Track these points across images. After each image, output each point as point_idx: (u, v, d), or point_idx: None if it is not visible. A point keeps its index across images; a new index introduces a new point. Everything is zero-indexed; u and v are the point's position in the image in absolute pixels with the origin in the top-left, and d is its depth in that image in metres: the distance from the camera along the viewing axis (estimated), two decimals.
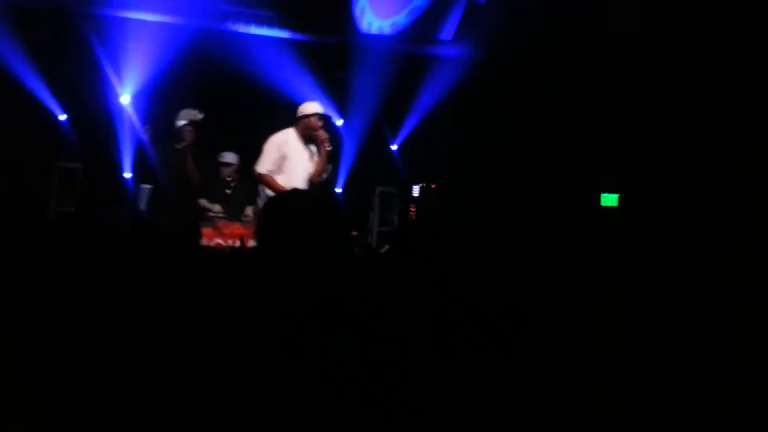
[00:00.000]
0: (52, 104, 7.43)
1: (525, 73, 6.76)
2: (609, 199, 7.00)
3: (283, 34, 7.49)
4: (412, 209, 8.57)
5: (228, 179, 7.00)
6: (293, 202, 1.96)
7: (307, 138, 5.62)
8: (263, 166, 5.64)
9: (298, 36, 7.51)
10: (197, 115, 6.06)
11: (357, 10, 7.28)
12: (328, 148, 5.60)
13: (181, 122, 6.02)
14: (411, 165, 8.50)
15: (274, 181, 5.52)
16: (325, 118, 5.65)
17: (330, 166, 5.71)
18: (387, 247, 5.90)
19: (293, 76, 7.46)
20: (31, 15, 6.78)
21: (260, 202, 5.90)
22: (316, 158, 5.61)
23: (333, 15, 7.31)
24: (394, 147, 8.68)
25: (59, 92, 7.43)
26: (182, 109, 6.10)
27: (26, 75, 7.01)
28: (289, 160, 5.58)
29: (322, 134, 5.56)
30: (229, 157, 7.01)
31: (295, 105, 5.87)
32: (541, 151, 6.55)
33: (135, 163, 6.91)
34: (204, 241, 6.05)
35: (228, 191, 6.95)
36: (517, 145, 6.89)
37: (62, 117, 7.55)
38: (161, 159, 6.08)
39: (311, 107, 5.64)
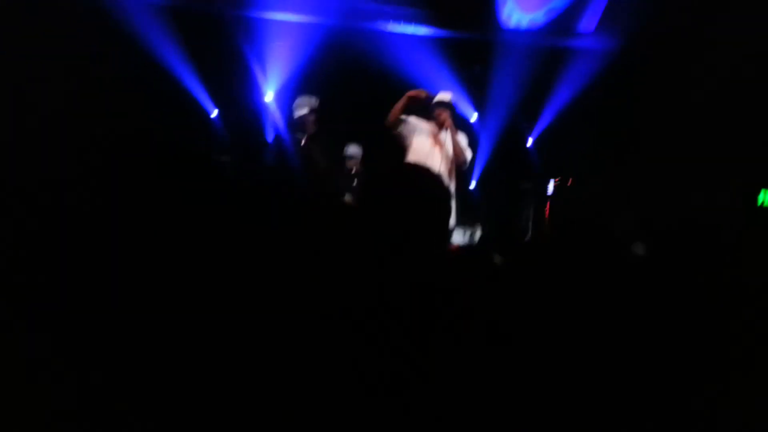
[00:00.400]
0: (206, 101, 7.98)
1: (667, 68, 6.37)
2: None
3: (424, 30, 7.51)
4: (547, 207, 8.34)
5: (353, 171, 7.12)
6: (403, 178, 1.92)
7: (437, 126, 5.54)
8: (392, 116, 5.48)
9: (440, 32, 7.50)
10: (316, 102, 6.10)
11: (501, 4, 7.14)
12: (448, 129, 5.42)
13: (302, 111, 6.05)
14: (547, 160, 8.27)
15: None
16: (450, 107, 5.53)
17: (468, 153, 5.58)
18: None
19: (431, 72, 7.49)
20: (186, 17, 7.27)
21: None
22: (446, 147, 5.52)
23: (476, 10, 7.21)
24: (529, 142, 8.50)
25: (212, 90, 7.96)
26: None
27: (182, 74, 7.60)
28: (420, 138, 5.54)
29: (445, 119, 5.42)
30: (353, 150, 7.11)
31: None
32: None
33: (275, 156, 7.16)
34: None
35: (353, 183, 7.09)
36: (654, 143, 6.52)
37: (214, 113, 8.09)
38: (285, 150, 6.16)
39: (441, 96, 5.59)
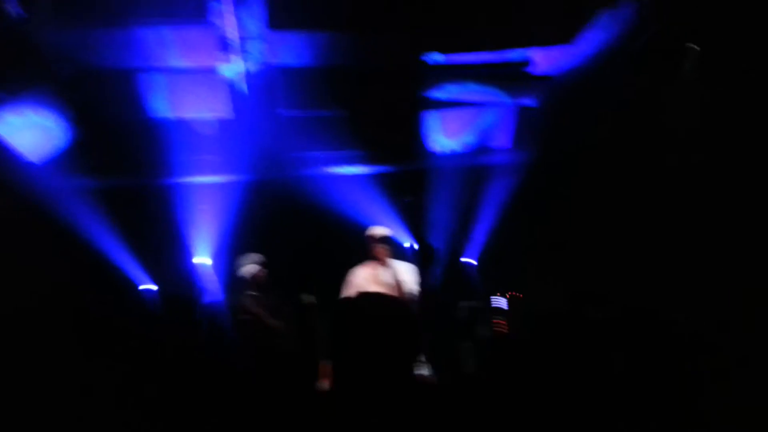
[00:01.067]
0: (137, 274, 7.76)
1: (581, 173, 6.79)
2: None
3: (358, 170, 7.65)
4: (499, 322, 8.33)
5: (312, 316, 6.93)
6: (369, 302, 1.95)
7: (378, 262, 5.57)
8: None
9: (374, 169, 7.64)
10: (261, 258, 6.01)
11: (427, 134, 7.42)
12: (384, 272, 5.49)
13: (250, 269, 5.93)
14: (490, 277, 8.37)
15: None
16: (386, 240, 5.58)
17: (410, 284, 5.56)
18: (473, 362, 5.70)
19: (368, 208, 7.59)
20: (112, 193, 7.20)
21: None
22: (391, 280, 5.52)
23: (406, 143, 7.44)
24: (471, 261, 8.62)
25: (142, 261, 7.78)
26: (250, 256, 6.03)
27: (112, 248, 7.41)
28: (367, 289, 5.54)
29: (381, 255, 5.49)
30: (308, 298, 7.00)
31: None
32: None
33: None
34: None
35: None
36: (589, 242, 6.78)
37: (145, 286, 7.85)
38: (235, 313, 5.85)
39: (372, 231, 5.64)
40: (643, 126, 6.17)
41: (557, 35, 6.09)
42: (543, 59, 6.42)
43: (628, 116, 6.28)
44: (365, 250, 5.65)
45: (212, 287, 7.19)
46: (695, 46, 5.52)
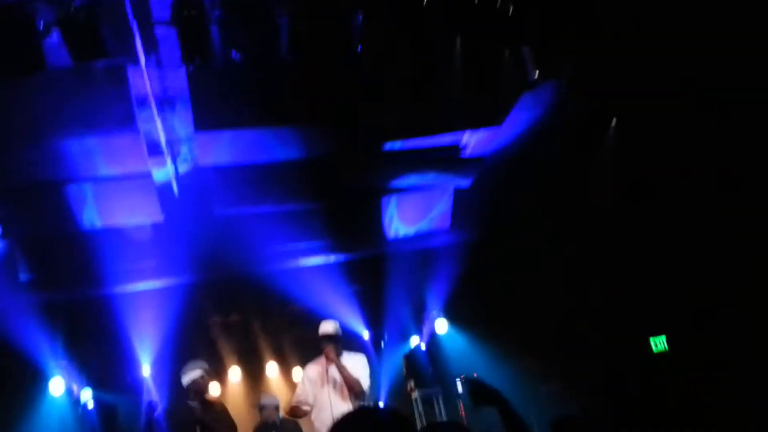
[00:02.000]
0: (78, 386, 7.42)
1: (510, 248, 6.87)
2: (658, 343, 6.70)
3: (305, 261, 7.50)
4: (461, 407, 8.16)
5: (270, 421, 6.67)
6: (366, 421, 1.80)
7: (327, 360, 5.46)
8: (299, 402, 5.51)
9: (322, 259, 7.53)
10: (204, 365, 5.79)
11: (386, 220, 7.38)
12: (333, 370, 5.39)
13: (194, 375, 5.62)
14: (442, 361, 8.26)
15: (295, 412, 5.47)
16: (334, 338, 5.46)
17: (362, 378, 5.40)
18: None
19: (322, 297, 7.44)
20: (48, 308, 6.93)
21: None
22: (342, 377, 5.38)
23: (365, 231, 7.40)
24: (422, 346, 8.49)
25: (84, 374, 7.46)
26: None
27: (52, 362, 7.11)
28: (319, 389, 5.43)
29: (328, 353, 5.39)
30: (266, 399, 6.78)
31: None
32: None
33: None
34: None
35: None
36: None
37: (88, 401, 7.49)
38: (177, 422, 5.53)
39: (320, 329, 5.54)
40: (569, 201, 6.31)
41: (486, 118, 6.24)
42: (475, 142, 6.55)
43: (555, 191, 6.42)
44: (316, 347, 5.55)
45: (155, 397, 6.87)
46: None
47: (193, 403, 5.56)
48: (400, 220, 7.51)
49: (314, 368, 5.58)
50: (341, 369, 5.37)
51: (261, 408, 6.70)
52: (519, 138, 6.37)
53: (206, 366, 5.79)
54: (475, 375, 8.63)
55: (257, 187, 6.40)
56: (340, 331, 5.58)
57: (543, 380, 7.54)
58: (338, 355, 5.46)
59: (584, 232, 6.31)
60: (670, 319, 6.13)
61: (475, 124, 6.30)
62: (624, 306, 6.19)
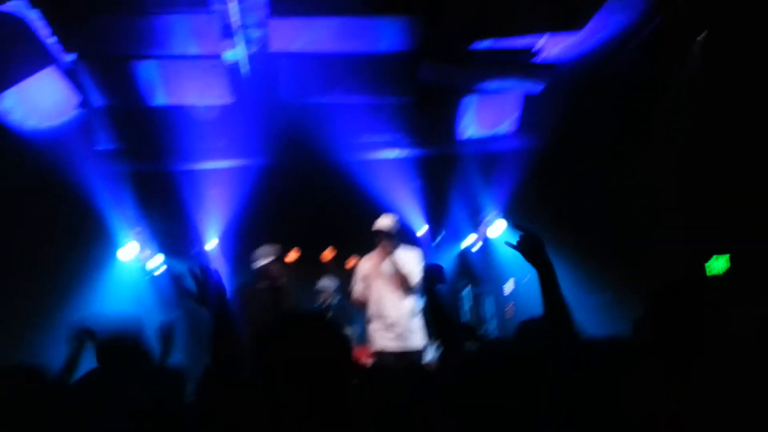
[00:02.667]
0: (147, 254, 7.88)
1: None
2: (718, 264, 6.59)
3: (371, 155, 7.59)
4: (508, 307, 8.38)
5: (325, 304, 7.04)
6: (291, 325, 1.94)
7: (382, 254, 5.66)
8: (354, 293, 5.83)
9: (404, 153, 7.58)
10: (278, 250, 6.01)
11: (458, 121, 7.31)
12: (386, 265, 5.62)
13: (264, 260, 5.89)
14: (495, 262, 8.39)
15: (364, 309, 5.74)
16: (388, 233, 5.60)
17: (414, 274, 5.59)
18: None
19: (387, 192, 7.60)
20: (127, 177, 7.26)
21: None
22: (394, 272, 5.58)
23: (436, 128, 7.38)
24: (477, 246, 8.63)
25: (153, 243, 7.91)
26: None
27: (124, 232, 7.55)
28: (372, 282, 5.65)
29: (383, 248, 5.61)
30: (323, 284, 7.11)
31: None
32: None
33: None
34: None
35: (329, 314, 7.00)
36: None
37: (157, 268, 7.98)
38: (248, 303, 5.74)
39: (376, 224, 5.67)
40: (649, 115, 6.07)
41: (567, 21, 5.97)
42: (553, 46, 6.31)
43: (635, 105, 6.19)
44: (373, 240, 5.72)
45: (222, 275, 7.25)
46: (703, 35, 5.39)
47: (262, 287, 5.86)
48: (472, 122, 7.42)
49: (369, 261, 5.81)
50: (394, 263, 5.56)
51: (319, 291, 7.06)
52: (597, 45, 6.10)
53: (279, 251, 6.02)
54: (526, 278, 8.90)
55: (331, 77, 6.39)
56: (397, 227, 5.72)
57: (595, 290, 7.60)
58: (393, 249, 5.63)
59: (656, 149, 6.12)
60: (737, 241, 5.98)
61: (555, 27, 6.05)
62: (691, 223, 6.05)
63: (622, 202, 6.70)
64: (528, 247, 2.41)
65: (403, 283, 5.57)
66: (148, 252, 7.88)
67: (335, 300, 7.05)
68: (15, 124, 6.03)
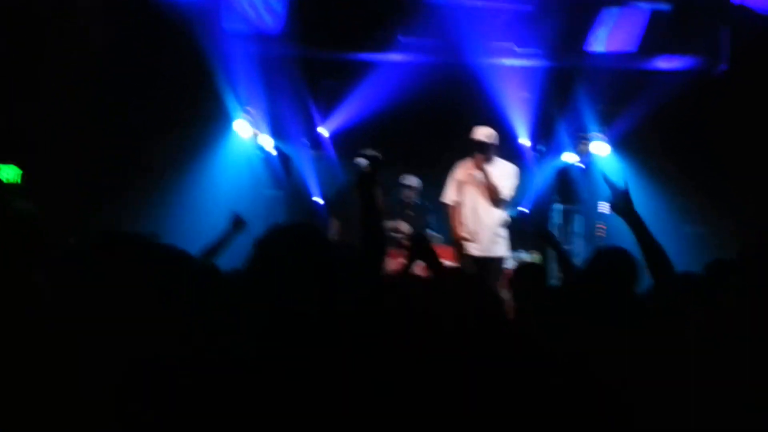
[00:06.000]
0: (263, 138, 8.39)
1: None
2: None
3: (514, 62, 7.54)
4: (601, 228, 8.40)
5: (409, 201, 7.35)
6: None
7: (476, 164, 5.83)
8: (446, 196, 5.99)
9: (537, 63, 7.54)
10: (371, 152, 6.43)
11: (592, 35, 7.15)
12: (478, 174, 5.75)
13: (359, 159, 6.39)
14: (593, 182, 8.35)
15: (453, 213, 5.93)
16: (481, 144, 5.71)
17: (505, 188, 5.75)
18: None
19: (495, 100, 7.65)
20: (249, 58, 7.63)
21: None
22: (485, 183, 5.73)
23: (565, 40, 7.27)
24: (579, 164, 8.58)
25: (270, 127, 8.39)
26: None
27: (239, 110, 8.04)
28: (464, 188, 5.82)
29: (478, 160, 5.73)
30: (411, 180, 7.37)
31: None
32: None
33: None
34: (391, 261, 6.50)
35: (410, 212, 7.32)
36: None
37: (273, 151, 8.48)
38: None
39: (473, 133, 5.79)
40: None
41: None
42: None
43: None
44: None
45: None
46: None
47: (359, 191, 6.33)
48: (600, 37, 7.22)
49: (463, 168, 5.99)
50: (486, 176, 5.73)
51: (403, 186, 7.33)
52: None
53: (373, 154, 6.40)
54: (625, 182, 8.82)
55: None
56: (492, 139, 5.82)
57: (690, 221, 7.51)
58: (488, 161, 5.77)
59: None
60: None
61: None
62: None
63: (732, 140, 6.49)
64: (616, 202, 2.58)
65: (492, 195, 5.74)
66: (260, 131, 8.36)
67: (417, 199, 7.35)
68: None
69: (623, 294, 2.53)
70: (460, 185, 5.90)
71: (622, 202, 2.56)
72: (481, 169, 5.73)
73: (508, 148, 7.20)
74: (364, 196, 2.46)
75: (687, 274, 2.67)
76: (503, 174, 5.80)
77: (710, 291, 2.38)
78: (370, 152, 6.39)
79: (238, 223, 3.86)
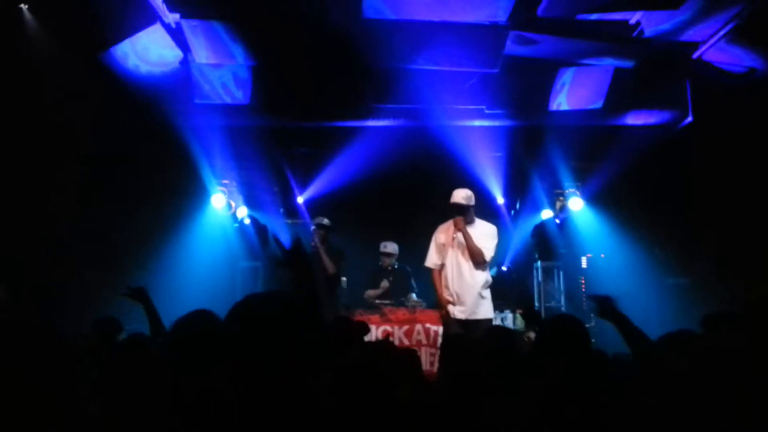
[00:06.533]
0: (239, 210, 8.36)
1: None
2: None
3: (467, 122, 7.57)
4: (582, 281, 8.42)
5: (388, 268, 7.35)
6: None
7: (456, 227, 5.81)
8: (429, 260, 5.96)
9: (491, 122, 7.57)
10: (323, 221, 6.83)
11: (551, 93, 7.27)
12: (459, 237, 5.76)
13: (312, 227, 6.88)
14: (571, 237, 8.40)
15: (437, 276, 5.89)
16: (460, 207, 5.74)
17: (486, 248, 5.74)
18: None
19: (463, 160, 7.70)
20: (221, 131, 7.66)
21: None
22: (466, 245, 5.73)
23: (525, 100, 7.38)
24: (555, 221, 8.65)
25: (245, 198, 8.38)
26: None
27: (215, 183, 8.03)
28: (447, 251, 5.80)
29: (456, 223, 5.75)
30: (390, 247, 7.39)
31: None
32: None
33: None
34: (373, 327, 6.40)
35: (390, 279, 7.29)
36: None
37: (244, 218, 8.44)
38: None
39: (452, 196, 5.83)
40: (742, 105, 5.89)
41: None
42: (648, 22, 6.20)
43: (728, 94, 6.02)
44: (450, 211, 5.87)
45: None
46: None
47: (312, 245, 6.64)
48: (562, 95, 7.36)
49: (444, 232, 5.96)
50: (467, 238, 5.72)
51: (383, 253, 7.36)
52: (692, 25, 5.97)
53: (325, 223, 6.72)
54: (602, 256, 8.89)
55: (417, 43, 6.48)
56: (470, 200, 5.82)
57: (671, 274, 7.53)
58: (468, 223, 5.79)
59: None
60: None
61: (653, 5, 5.93)
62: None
63: (707, 190, 6.59)
64: (602, 310, 2.80)
65: (473, 257, 5.73)
66: (236, 202, 8.35)
67: (395, 264, 7.35)
68: (130, 69, 6.54)
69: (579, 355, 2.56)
70: (442, 249, 5.88)
71: (607, 309, 2.77)
72: (462, 232, 5.72)
73: (485, 208, 7.24)
74: (297, 266, 2.45)
75: (683, 332, 2.83)
76: (483, 235, 5.79)
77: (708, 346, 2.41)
78: (317, 220, 6.74)
79: (136, 293, 3.74)
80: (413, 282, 7.35)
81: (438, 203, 6.28)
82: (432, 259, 5.95)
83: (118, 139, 6.79)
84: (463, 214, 5.73)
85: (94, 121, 6.70)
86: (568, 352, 2.50)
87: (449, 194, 5.86)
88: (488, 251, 5.75)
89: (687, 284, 7.37)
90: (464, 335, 5.10)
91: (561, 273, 8.52)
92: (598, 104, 7.25)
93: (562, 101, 7.30)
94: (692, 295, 6.95)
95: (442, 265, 5.85)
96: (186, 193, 7.88)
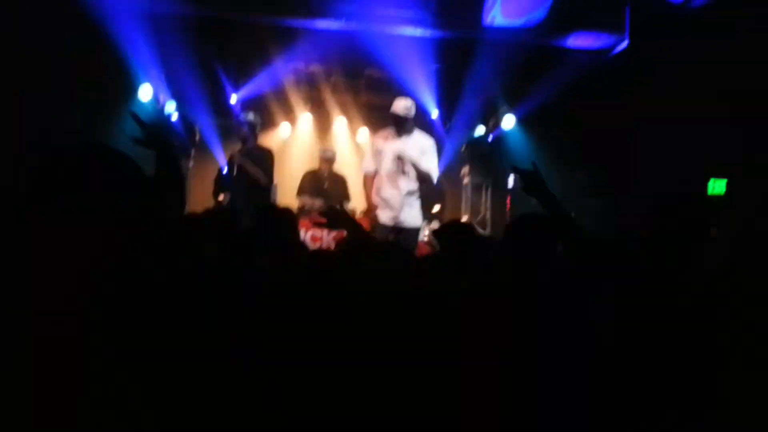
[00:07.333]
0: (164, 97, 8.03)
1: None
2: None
3: (412, 31, 7.26)
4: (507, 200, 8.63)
5: (326, 174, 7.32)
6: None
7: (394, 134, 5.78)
8: (364, 165, 5.91)
9: (427, 32, 7.34)
10: (249, 116, 6.27)
11: (487, 6, 7.08)
12: (399, 141, 5.70)
13: (240, 121, 6.33)
14: (501, 155, 8.53)
15: (369, 182, 5.86)
16: (401, 117, 5.67)
17: (426, 163, 5.74)
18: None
19: (402, 72, 7.56)
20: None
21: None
22: (404, 156, 5.72)
23: (462, 11, 7.16)
24: (487, 138, 8.74)
25: (171, 89, 8.02)
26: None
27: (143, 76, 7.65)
28: (382, 158, 5.77)
29: (397, 129, 5.70)
30: (329, 153, 7.34)
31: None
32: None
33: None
34: (303, 231, 6.42)
35: (326, 185, 7.27)
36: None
37: (172, 113, 8.14)
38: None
39: (393, 106, 5.75)
40: None
41: None
42: None
43: None
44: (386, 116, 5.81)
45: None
46: None
47: (236, 148, 6.30)
48: (500, 10, 7.23)
49: (381, 138, 5.89)
50: (405, 146, 5.69)
51: (322, 158, 7.33)
52: None
53: (254, 119, 6.23)
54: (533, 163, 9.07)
55: None
56: (411, 112, 5.74)
57: (596, 193, 7.75)
58: (407, 132, 5.74)
59: None
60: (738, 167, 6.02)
61: None
62: (699, 143, 6.09)
63: (634, 110, 6.73)
64: (527, 184, 2.64)
65: (424, 182, 5.75)
66: (162, 95, 8.01)
67: (330, 170, 7.33)
68: None
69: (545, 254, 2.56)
70: (378, 155, 5.84)
71: (533, 183, 2.63)
72: (401, 141, 5.68)
73: (419, 120, 7.21)
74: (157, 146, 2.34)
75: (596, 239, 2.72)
76: (423, 153, 5.75)
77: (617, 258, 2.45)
78: (242, 116, 6.31)
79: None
80: (349, 190, 7.38)
81: (376, 112, 6.22)
82: (367, 164, 5.93)
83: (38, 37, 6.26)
84: (402, 125, 5.70)
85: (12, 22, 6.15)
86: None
87: (387, 101, 5.79)
88: (434, 172, 5.79)
89: (604, 204, 7.63)
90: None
91: (489, 189, 8.71)
92: (535, 17, 7.15)
93: (496, 16, 7.18)
94: (607, 216, 7.24)
95: (376, 171, 5.84)
96: (114, 88, 7.47)
